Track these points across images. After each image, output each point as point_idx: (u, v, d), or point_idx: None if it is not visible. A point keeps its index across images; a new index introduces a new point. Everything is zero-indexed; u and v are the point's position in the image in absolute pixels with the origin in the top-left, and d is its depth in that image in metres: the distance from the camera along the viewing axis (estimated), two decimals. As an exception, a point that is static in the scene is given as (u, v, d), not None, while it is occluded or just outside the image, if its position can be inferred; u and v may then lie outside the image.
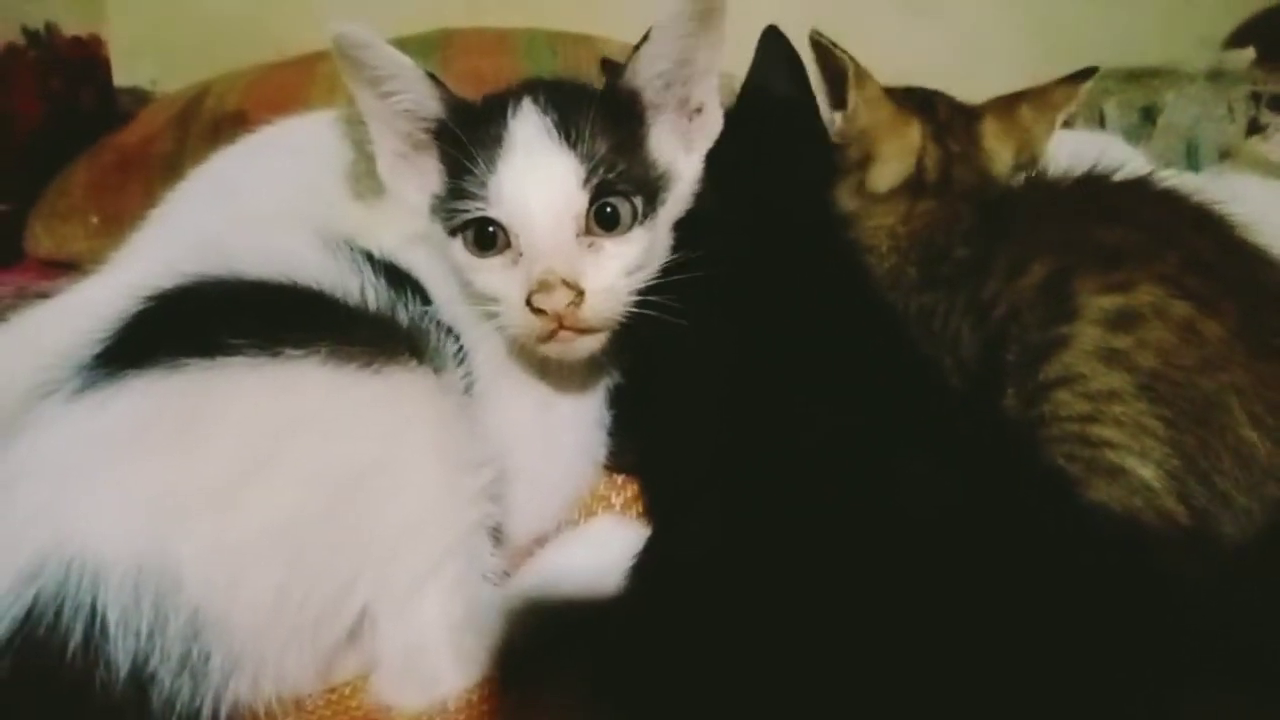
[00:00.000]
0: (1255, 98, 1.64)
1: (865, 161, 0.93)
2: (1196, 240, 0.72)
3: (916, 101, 0.96)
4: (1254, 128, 1.63)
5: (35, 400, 0.61)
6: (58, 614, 0.51)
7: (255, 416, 0.59)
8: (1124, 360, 0.67)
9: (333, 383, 0.61)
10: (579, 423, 0.81)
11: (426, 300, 0.76)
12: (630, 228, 0.73)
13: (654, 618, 0.61)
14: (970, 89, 1.99)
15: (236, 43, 1.81)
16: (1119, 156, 1.18)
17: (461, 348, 0.75)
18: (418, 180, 0.78)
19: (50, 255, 1.44)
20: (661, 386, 0.78)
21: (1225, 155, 1.64)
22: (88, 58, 1.69)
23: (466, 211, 0.72)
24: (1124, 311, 0.68)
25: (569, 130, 0.71)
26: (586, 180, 0.71)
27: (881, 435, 0.62)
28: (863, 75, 0.93)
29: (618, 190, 0.72)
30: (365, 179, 1.04)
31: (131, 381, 0.58)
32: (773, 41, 0.94)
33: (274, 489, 0.57)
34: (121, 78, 1.81)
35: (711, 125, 0.80)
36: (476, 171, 0.71)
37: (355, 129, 1.08)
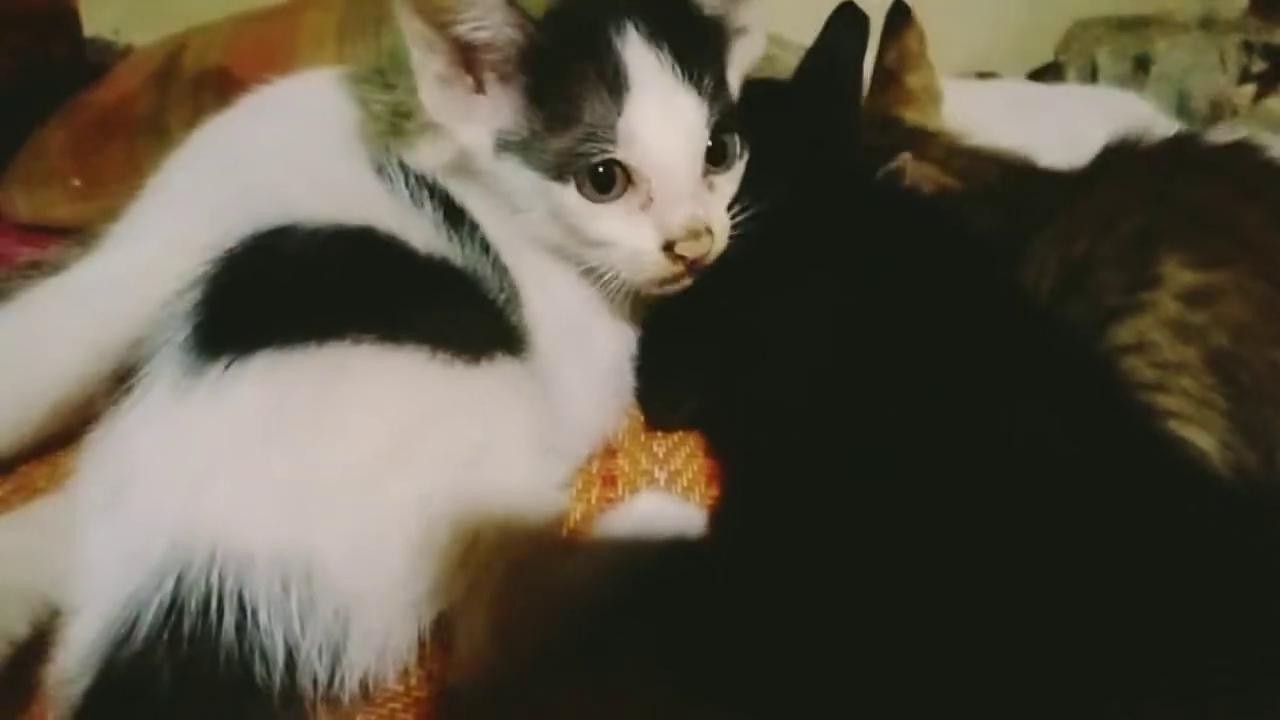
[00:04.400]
0: (1247, 47, 1.64)
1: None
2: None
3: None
4: (1245, 77, 1.63)
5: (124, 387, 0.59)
6: (204, 608, 0.50)
7: (385, 405, 0.58)
8: (1197, 334, 0.66)
9: (446, 374, 0.60)
10: (619, 363, 0.81)
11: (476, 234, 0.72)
12: (733, 161, 0.73)
13: (742, 583, 0.60)
14: (956, 36, 1.99)
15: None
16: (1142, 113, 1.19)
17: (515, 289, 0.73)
18: (468, 113, 0.74)
19: (30, 220, 1.39)
20: (730, 337, 0.76)
21: (1216, 105, 1.65)
22: (56, 10, 1.61)
23: (589, 155, 0.68)
24: (1204, 287, 0.67)
25: (687, 65, 0.69)
26: (709, 119, 0.70)
27: (985, 381, 0.62)
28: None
29: (726, 126, 0.72)
30: (375, 138, 1.00)
31: (250, 367, 0.55)
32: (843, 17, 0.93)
33: (407, 474, 0.56)
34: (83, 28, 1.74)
35: (755, 48, 0.79)
36: (595, 109, 0.68)
37: (359, 88, 1.05)
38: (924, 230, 0.77)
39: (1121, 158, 0.79)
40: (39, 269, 0.96)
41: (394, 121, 1.00)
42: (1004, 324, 0.67)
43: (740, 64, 0.80)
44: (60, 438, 0.80)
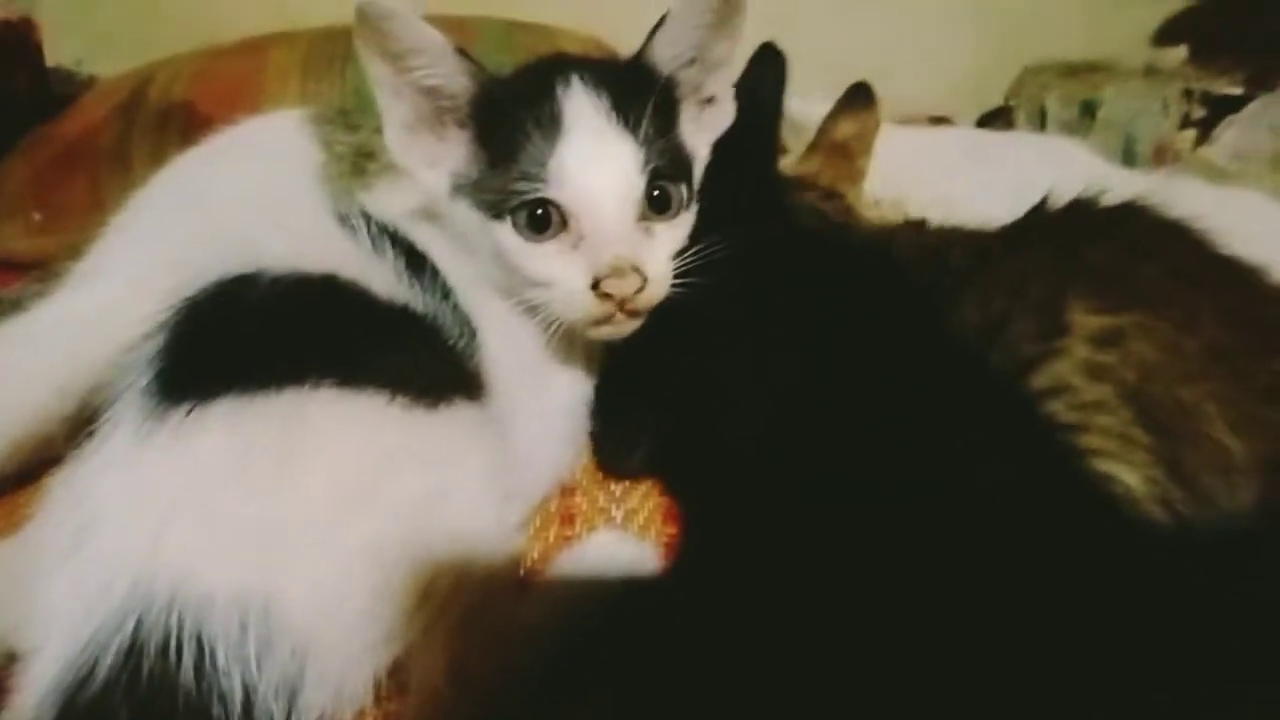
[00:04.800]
0: (1188, 94, 1.71)
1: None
2: (1178, 251, 0.76)
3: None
4: (1186, 123, 1.69)
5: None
6: (164, 649, 0.51)
7: (344, 450, 0.59)
8: (1109, 374, 0.69)
9: (405, 419, 0.62)
10: (574, 406, 0.82)
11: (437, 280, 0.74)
12: (678, 211, 0.75)
13: (699, 619, 0.62)
14: (910, 83, 2.04)
15: (166, 22, 1.76)
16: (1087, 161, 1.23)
17: (474, 333, 0.74)
18: (430, 158, 0.77)
19: (-12, 254, 1.38)
20: (680, 383, 0.78)
21: (1160, 150, 1.71)
22: (19, 41, 1.61)
23: (522, 193, 0.71)
24: (1110, 330, 0.70)
25: (625, 113, 0.72)
26: (645, 164, 0.72)
27: (929, 420, 0.65)
28: None
29: (667, 175, 0.73)
30: (337, 179, 1.02)
31: (211, 412, 0.56)
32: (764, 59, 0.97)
33: (365, 517, 0.58)
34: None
35: (723, 117, 0.82)
36: (530, 151, 0.71)
37: (323, 129, 1.06)
38: (861, 273, 0.80)
39: (1033, 224, 0.83)
40: (-1, 305, 0.96)
41: (356, 162, 1.01)
42: (942, 364, 0.71)
43: (709, 128, 0.83)
44: (17, 478, 0.81)
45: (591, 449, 0.85)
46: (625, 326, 0.74)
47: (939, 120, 1.83)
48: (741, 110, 0.91)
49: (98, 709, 0.51)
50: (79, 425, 0.72)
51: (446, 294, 0.73)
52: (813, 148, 1.07)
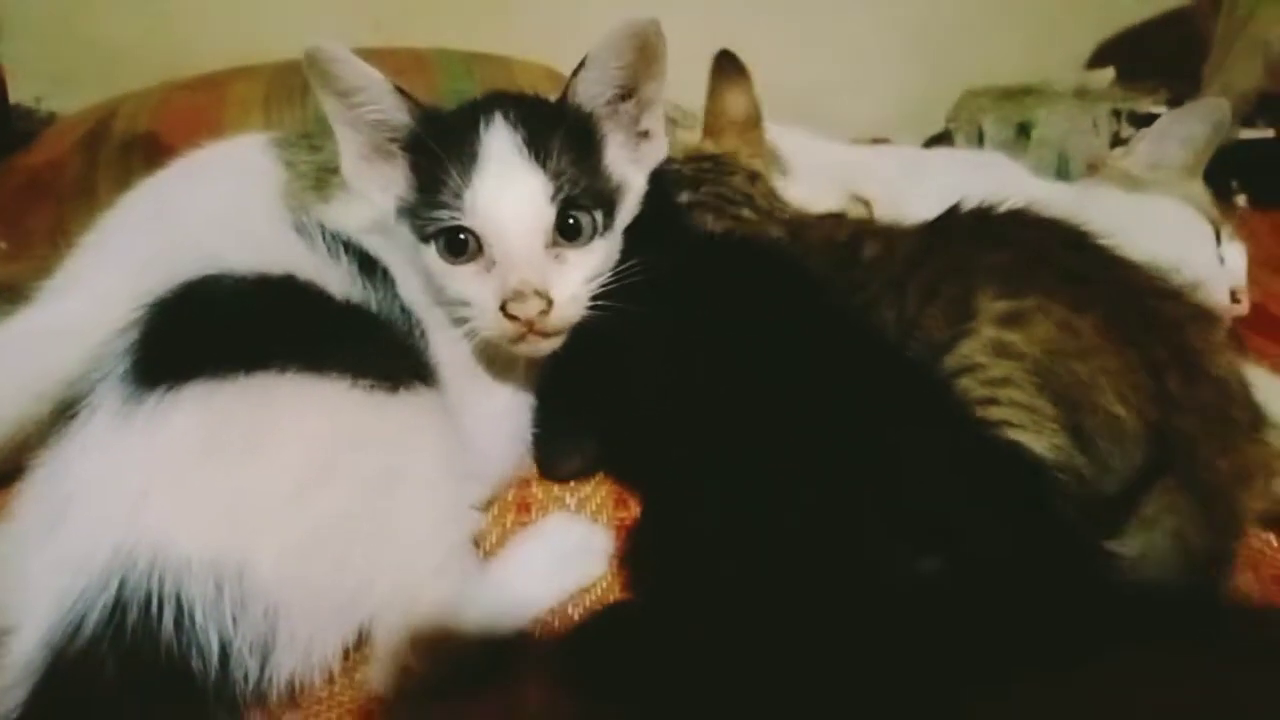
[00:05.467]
0: (1116, 113, 1.79)
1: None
2: (1068, 256, 0.83)
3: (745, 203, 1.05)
4: (1116, 141, 1.77)
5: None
6: (145, 606, 0.56)
7: (309, 426, 0.63)
8: (1014, 350, 0.76)
9: (366, 400, 0.66)
10: (513, 408, 0.87)
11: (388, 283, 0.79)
12: (591, 239, 0.79)
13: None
14: (855, 108, 2.12)
15: (125, 61, 1.79)
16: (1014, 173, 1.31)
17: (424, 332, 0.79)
18: (382, 182, 0.82)
19: (-46, 282, 1.40)
20: (612, 388, 0.83)
21: (1093, 167, 1.79)
22: (-18, 80, 1.64)
23: (440, 220, 0.76)
24: (1013, 312, 0.77)
25: (538, 148, 0.77)
26: (554, 195, 0.76)
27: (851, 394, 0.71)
28: None
29: (580, 204, 0.78)
30: (300, 196, 1.06)
31: (185, 394, 0.61)
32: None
33: (331, 491, 0.62)
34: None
35: (657, 150, 0.87)
36: (450, 182, 0.76)
37: (288, 151, 1.10)
38: (779, 270, 0.88)
39: (941, 225, 0.92)
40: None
41: (320, 178, 1.06)
42: (858, 346, 0.78)
43: (645, 160, 0.87)
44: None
45: (533, 456, 0.90)
46: (542, 345, 0.78)
47: (880, 141, 1.90)
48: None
49: (86, 658, 0.55)
50: (53, 432, 0.77)
51: (397, 295, 0.78)
52: (716, 128, 1.12)
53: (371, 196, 0.83)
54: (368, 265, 0.78)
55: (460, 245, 0.77)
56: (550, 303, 0.74)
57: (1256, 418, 0.76)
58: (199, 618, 0.56)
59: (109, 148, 1.44)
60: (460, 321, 0.79)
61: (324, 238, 0.78)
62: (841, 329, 0.80)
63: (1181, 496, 0.70)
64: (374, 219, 0.87)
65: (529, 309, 0.73)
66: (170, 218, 0.98)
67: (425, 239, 0.78)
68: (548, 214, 0.76)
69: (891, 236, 0.93)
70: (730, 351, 0.77)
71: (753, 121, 1.12)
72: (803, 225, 1.02)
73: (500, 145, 0.77)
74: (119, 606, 0.55)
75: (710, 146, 1.10)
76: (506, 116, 0.78)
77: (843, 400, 0.70)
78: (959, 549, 0.63)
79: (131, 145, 1.44)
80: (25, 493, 0.64)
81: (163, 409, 0.60)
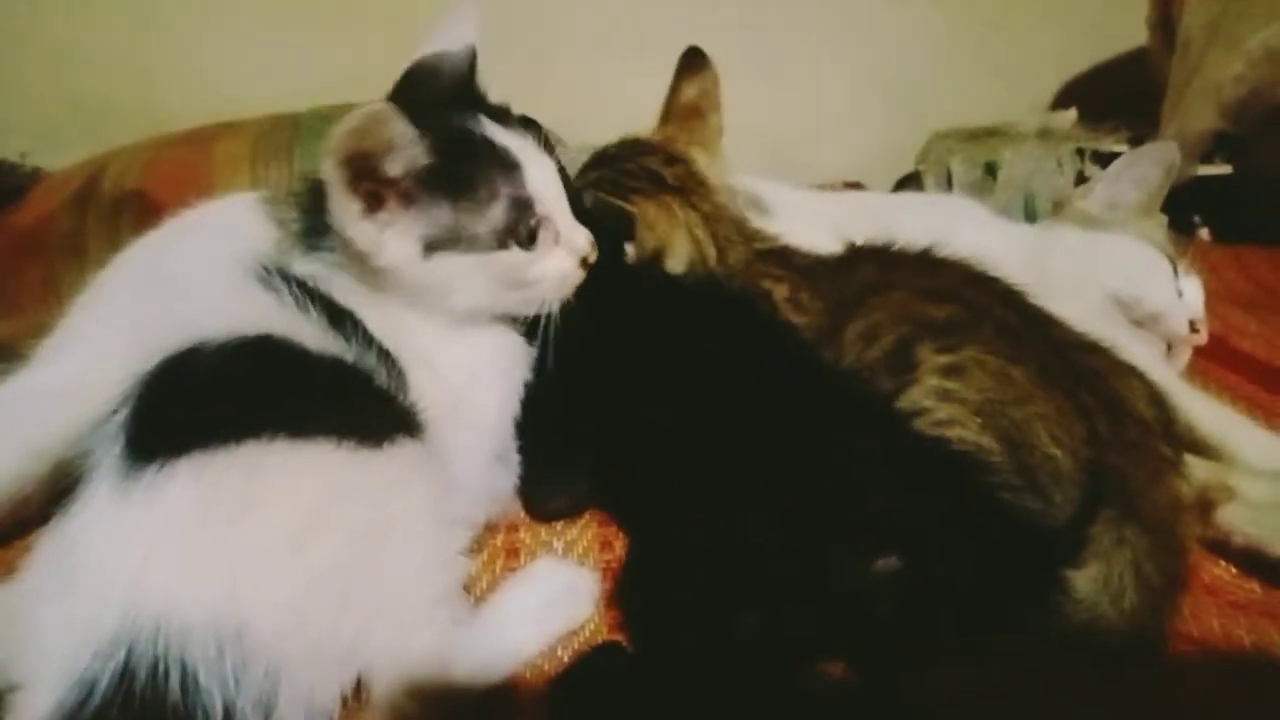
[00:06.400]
0: (1080, 152, 1.84)
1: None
2: (1003, 313, 0.90)
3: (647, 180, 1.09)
4: (1080, 179, 1.83)
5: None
6: (153, 672, 0.58)
7: (298, 490, 0.66)
8: (957, 396, 0.81)
9: (351, 459, 0.69)
10: (502, 423, 0.89)
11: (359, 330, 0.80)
12: None
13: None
14: (828, 152, 2.17)
15: (110, 116, 1.82)
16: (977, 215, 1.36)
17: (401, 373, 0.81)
18: (400, 231, 0.80)
19: (-58, 343, 1.41)
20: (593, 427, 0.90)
21: (1059, 206, 1.84)
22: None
23: (522, 220, 0.84)
24: (953, 365, 0.83)
25: (541, 141, 0.89)
26: None
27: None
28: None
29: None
30: (290, 254, 1.08)
31: (179, 467, 0.63)
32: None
33: (321, 546, 0.65)
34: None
35: None
36: (507, 189, 0.84)
37: (278, 209, 1.13)
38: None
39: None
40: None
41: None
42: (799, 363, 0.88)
43: None
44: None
45: (522, 501, 0.93)
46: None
47: (853, 185, 1.95)
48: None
49: None
50: (52, 488, 0.79)
51: (370, 342, 0.80)
52: (665, 117, 1.17)
53: (381, 252, 0.80)
54: (336, 315, 0.79)
55: (533, 234, 0.85)
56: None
57: (1178, 455, 0.84)
58: (203, 680, 0.58)
59: (98, 206, 1.47)
60: (528, 305, 0.88)
61: (290, 289, 0.79)
62: (795, 358, 0.89)
63: (1129, 528, 0.74)
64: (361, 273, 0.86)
65: (595, 251, 0.90)
66: (162, 278, 1.00)
67: (503, 245, 0.84)
68: None
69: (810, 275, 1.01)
70: (682, 380, 0.86)
71: (698, 111, 1.16)
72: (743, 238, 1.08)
73: (523, 144, 0.86)
74: (127, 672, 0.57)
75: (646, 134, 1.15)
76: (499, 122, 0.87)
77: (801, 421, 0.78)
78: (918, 548, 0.69)
79: (121, 204, 1.46)
80: (35, 562, 0.67)
81: (158, 482, 0.63)
